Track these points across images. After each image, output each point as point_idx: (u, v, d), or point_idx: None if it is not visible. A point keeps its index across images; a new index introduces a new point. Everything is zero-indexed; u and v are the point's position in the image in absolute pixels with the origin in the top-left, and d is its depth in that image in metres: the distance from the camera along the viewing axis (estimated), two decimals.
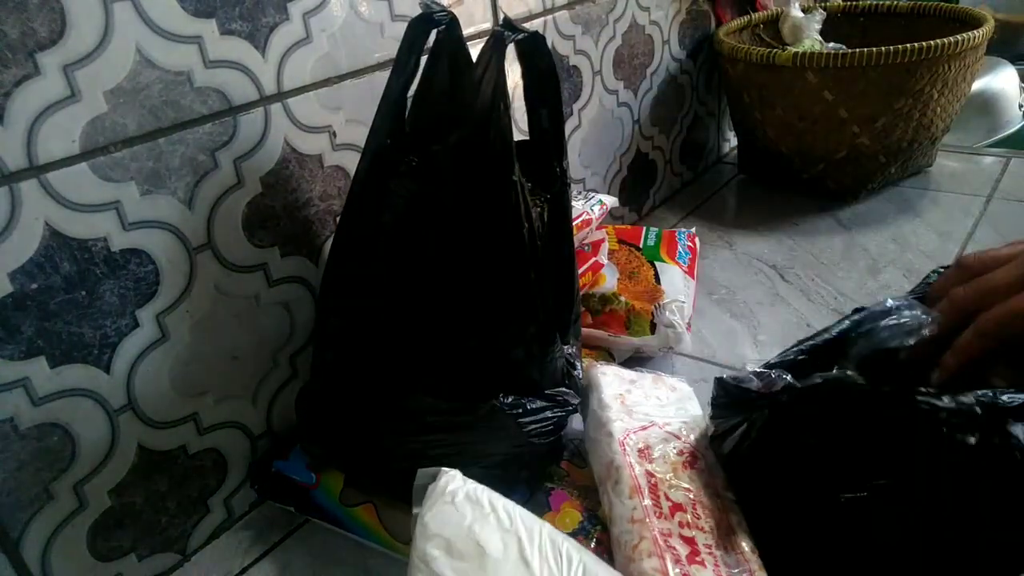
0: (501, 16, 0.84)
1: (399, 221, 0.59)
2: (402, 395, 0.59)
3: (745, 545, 0.53)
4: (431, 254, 0.57)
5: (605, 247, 0.88)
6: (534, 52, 0.61)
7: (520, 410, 0.61)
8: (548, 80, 0.63)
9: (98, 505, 0.59)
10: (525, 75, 0.63)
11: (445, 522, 0.48)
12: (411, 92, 0.63)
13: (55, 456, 0.56)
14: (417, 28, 0.60)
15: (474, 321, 0.59)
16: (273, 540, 0.68)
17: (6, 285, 0.51)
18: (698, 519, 0.53)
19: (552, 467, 0.64)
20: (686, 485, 0.56)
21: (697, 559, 0.50)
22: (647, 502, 0.54)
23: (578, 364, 0.67)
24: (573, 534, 0.58)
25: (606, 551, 0.57)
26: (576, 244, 0.85)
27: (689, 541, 0.52)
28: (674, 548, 0.51)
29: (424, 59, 0.62)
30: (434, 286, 0.57)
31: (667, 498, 0.54)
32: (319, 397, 0.65)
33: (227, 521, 0.70)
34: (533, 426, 0.61)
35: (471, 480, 0.52)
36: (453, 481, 0.51)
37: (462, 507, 0.49)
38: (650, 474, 0.56)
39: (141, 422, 0.61)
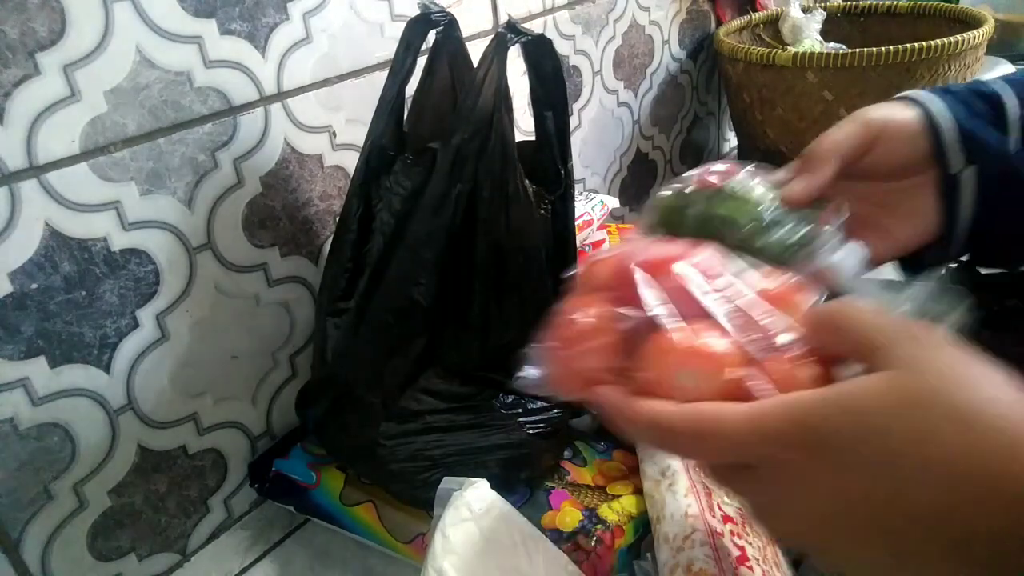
0: (502, 17, 0.84)
1: (396, 219, 0.59)
2: (402, 396, 0.59)
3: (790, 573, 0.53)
4: (427, 254, 0.57)
5: (606, 247, 0.88)
6: (540, 55, 0.61)
7: (520, 410, 0.61)
8: (554, 83, 0.62)
9: (98, 505, 0.59)
10: (531, 77, 0.63)
11: (468, 542, 0.48)
12: (412, 92, 0.63)
13: (55, 456, 0.56)
14: (415, 28, 0.60)
15: (475, 321, 0.59)
16: (273, 540, 0.68)
17: (6, 285, 0.51)
18: (747, 534, 0.53)
19: (553, 467, 0.64)
20: (738, 506, 0.56)
21: (746, 564, 0.50)
22: (703, 501, 0.54)
23: None
24: (574, 533, 0.58)
25: (609, 550, 0.57)
26: (577, 245, 0.85)
27: (739, 548, 0.52)
28: (725, 547, 0.51)
29: (425, 59, 0.62)
30: (432, 285, 0.57)
31: (720, 508, 0.54)
32: (319, 397, 0.65)
33: (227, 521, 0.69)
34: (533, 426, 0.61)
35: (498, 496, 0.52)
36: (480, 496, 0.51)
37: (487, 531, 0.49)
38: (704, 485, 0.56)
39: (141, 422, 0.61)
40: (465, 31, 0.80)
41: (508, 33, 0.56)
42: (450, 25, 0.61)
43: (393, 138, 0.61)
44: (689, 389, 0.37)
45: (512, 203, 0.57)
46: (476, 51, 0.83)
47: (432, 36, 0.62)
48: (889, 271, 0.53)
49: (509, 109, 0.56)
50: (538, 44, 0.60)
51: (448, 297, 0.58)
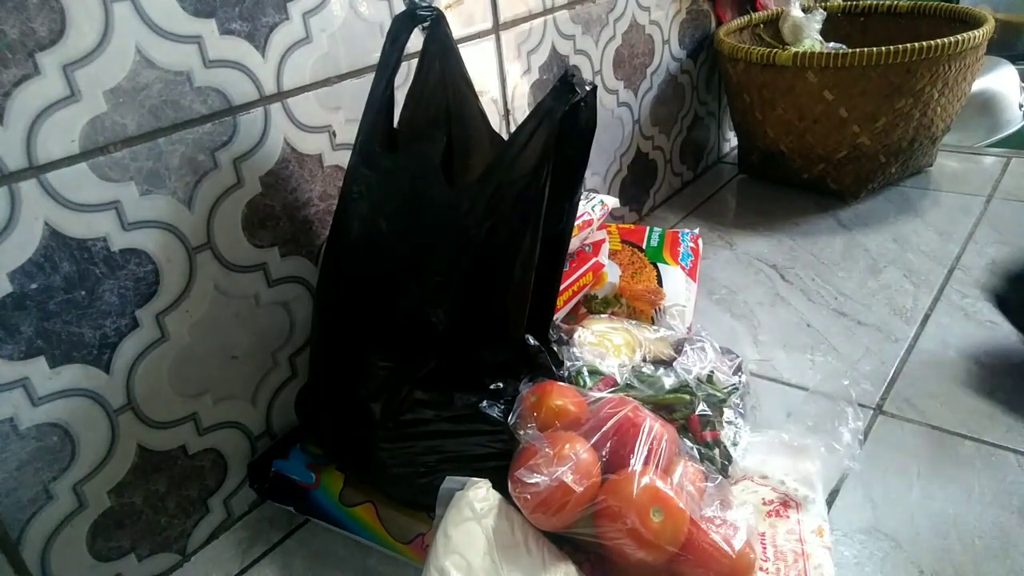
0: (502, 16, 0.84)
1: (393, 222, 0.59)
2: (401, 403, 0.59)
3: None
4: (448, 279, 0.57)
5: (606, 247, 0.88)
6: (582, 107, 0.59)
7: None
8: (584, 133, 0.60)
9: (98, 505, 0.59)
10: (564, 121, 0.60)
11: (470, 542, 0.48)
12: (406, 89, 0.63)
13: (55, 456, 0.56)
14: (400, 24, 0.60)
15: (464, 329, 0.59)
16: (273, 540, 0.68)
17: (6, 285, 0.51)
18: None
19: None
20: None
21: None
22: None
23: (566, 363, 0.68)
24: None
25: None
26: (577, 244, 0.85)
27: None
28: None
29: (417, 56, 0.62)
30: (449, 310, 0.58)
31: None
32: (316, 398, 0.65)
33: (227, 521, 0.69)
34: None
35: (500, 496, 0.52)
36: (482, 496, 0.51)
37: (489, 530, 0.49)
38: None
39: (141, 422, 0.61)
40: (466, 31, 0.81)
41: (564, 91, 0.54)
42: (437, 21, 0.61)
43: (383, 135, 0.61)
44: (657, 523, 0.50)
45: (522, 243, 0.58)
46: (478, 51, 0.83)
47: (423, 35, 0.62)
48: None
49: (551, 163, 0.56)
50: (585, 99, 0.57)
51: (462, 321, 0.58)
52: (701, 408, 0.64)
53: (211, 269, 0.63)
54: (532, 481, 0.51)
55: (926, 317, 0.87)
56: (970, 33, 1.01)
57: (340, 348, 0.61)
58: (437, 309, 0.57)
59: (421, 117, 0.63)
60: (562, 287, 0.79)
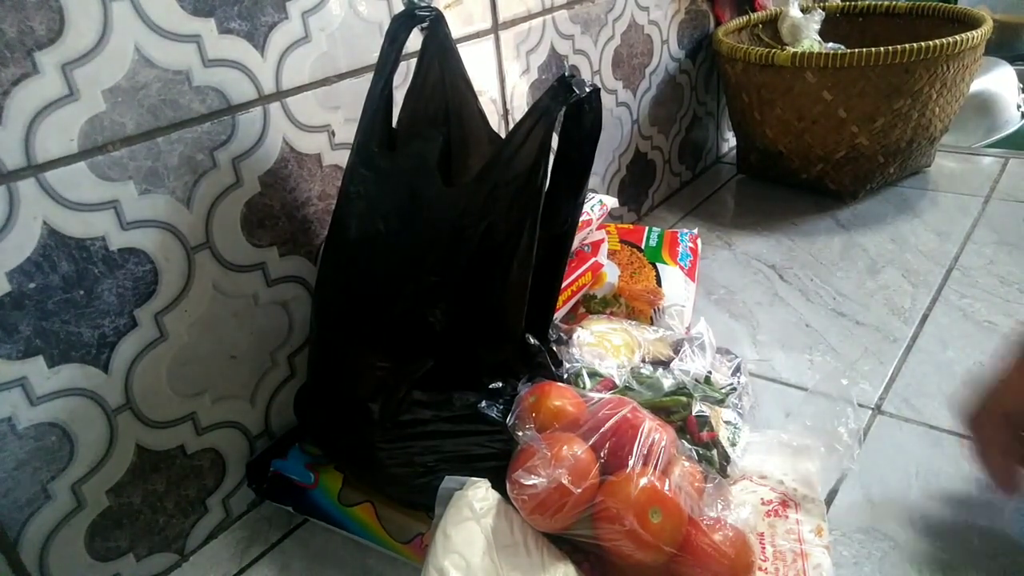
0: (501, 16, 0.84)
1: (384, 219, 0.59)
2: (400, 403, 0.59)
3: None
4: (446, 279, 0.57)
5: (605, 247, 0.88)
6: (585, 108, 0.59)
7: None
8: (589, 133, 0.60)
9: (96, 505, 0.59)
10: (568, 122, 0.60)
11: (469, 541, 0.48)
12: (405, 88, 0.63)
13: (53, 456, 0.56)
14: (399, 23, 0.60)
15: (462, 328, 0.59)
16: (272, 540, 0.68)
17: (4, 284, 0.51)
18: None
19: None
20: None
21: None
22: None
23: (565, 364, 0.68)
24: None
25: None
26: (576, 244, 0.85)
27: None
28: None
29: (416, 56, 0.62)
30: (446, 310, 0.58)
31: None
32: (315, 398, 0.64)
33: (225, 521, 0.69)
34: None
35: (499, 496, 0.52)
36: (481, 495, 0.51)
37: (488, 530, 0.49)
38: None
39: (139, 422, 0.61)
40: (465, 31, 0.81)
41: (561, 91, 0.54)
42: (436, 21, 0.61)
43: (382, 135, 0.61)
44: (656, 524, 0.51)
45: (519, 242, 0.57)
46: (477, 51, 0.83)
47: (422, 35, 0.62)
48: None
49: (548, 163, 0.56)
50: (587, 97, 0.57)
51: (460, 321, 0.58)
52: (698, 409, 0.64)
53: (210, 268, 0.63)
54: (530, 483, 0.51)
55: (924, 317, 0.87)
56: (968, 34, 1.02)
57: (338, 348, 0.61)
58: (435, 309, 0.57)
59: (420, 117, 0.63)
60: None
